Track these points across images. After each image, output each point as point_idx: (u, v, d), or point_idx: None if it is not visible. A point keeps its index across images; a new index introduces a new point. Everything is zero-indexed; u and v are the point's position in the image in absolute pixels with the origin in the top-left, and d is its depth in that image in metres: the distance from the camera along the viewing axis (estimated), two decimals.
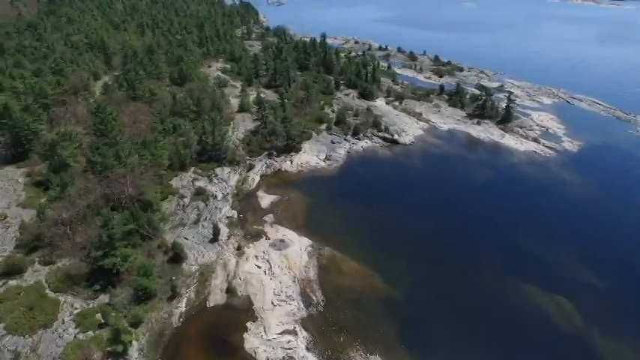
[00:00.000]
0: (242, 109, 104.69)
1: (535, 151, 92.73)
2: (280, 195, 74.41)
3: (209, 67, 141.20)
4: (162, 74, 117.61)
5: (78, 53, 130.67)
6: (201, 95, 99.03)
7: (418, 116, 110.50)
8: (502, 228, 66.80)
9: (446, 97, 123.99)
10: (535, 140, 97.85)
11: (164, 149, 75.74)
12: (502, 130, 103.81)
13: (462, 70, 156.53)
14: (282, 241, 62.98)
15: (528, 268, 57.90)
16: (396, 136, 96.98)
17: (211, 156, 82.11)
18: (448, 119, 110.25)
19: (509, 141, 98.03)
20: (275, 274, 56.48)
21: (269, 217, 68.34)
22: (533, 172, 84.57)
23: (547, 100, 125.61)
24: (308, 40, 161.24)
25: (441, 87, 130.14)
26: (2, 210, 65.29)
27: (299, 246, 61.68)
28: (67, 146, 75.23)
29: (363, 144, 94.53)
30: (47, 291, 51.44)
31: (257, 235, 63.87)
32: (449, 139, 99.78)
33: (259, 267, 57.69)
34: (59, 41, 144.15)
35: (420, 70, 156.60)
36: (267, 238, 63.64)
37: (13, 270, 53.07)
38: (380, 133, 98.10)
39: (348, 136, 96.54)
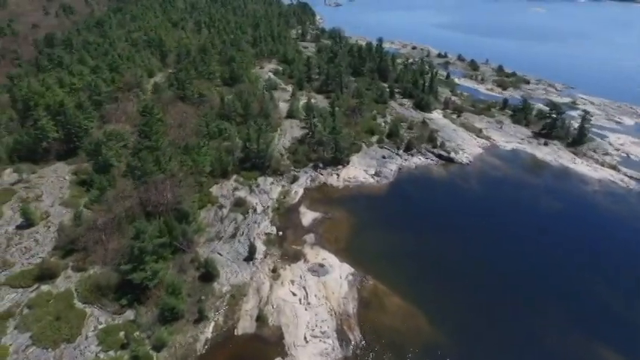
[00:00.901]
0: (291, 114, 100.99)
1: (613, 180, 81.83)
2: (323, 212, 69.56)
3: (261, 68, 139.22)
4: (213, 74, 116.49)
5: (136, 50, 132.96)
6: (249, 98, 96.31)
7: (478, 132, 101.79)
8: (572, 270, 58.09)
9: (509, 112, 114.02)
10: (613, 167, 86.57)
11: (207, 155, 73.20)
12: (573, 153, 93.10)
13: (528, 82, 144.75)
14: (321, 265, 58.09)
15: (604, 325, 49.30)
16: (452, 154, 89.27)
17: (254, 164, 78.78)
18: (511, 138, 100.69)
19: (581, 167, 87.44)
20: (311, 304, 51.65)
21: (309, 237, 63.66)
22: (611, 206, 74.23)
23: (629, 121, 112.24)
24: (363, 44, 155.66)
25: (505, 101, 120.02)
26: (47, 208, 65.21)
27: (339, 273, 56.52)
28: (112, 146, 74.72)
29: (416, 160, 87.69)
30: (75, 300, 49.70)
31: (295, 257, 59.34)
32: (511, 161, 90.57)
33: (294, 294, 53.09)
34: (121, 38, 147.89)
35: (482, 81, 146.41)
36: (306, 260, 58.95)
37: (47, 275, 51.95)
38: (435, 150, 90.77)
39: (401, 150, 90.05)
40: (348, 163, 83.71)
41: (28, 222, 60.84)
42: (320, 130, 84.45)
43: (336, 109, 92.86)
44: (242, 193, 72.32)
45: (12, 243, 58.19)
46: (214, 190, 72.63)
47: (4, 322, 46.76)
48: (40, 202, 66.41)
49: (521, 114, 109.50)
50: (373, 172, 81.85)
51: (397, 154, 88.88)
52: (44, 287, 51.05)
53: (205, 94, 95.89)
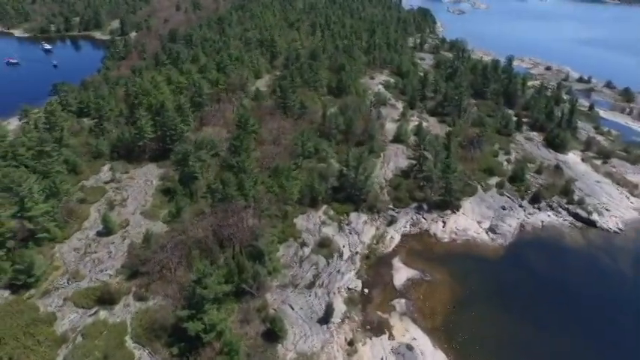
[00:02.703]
0: (398, 138, 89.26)
1: None
2: (421, 271, 57.28)
3: (371, 78, 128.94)
4: (319, 82, 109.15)
5: (247, 50, 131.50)
6: (354, 115, 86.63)
7: (632, 188, 79.99)
8: None
9: None
10: None
11: (297, 180, 65.15)
12: None
13: None
14: (409, 348, 46.32)
15: None
16: (594, 216, 70.23)
17: (349, 195, 68.94)
18: None
19: None
20: None
21: (400, 304, 52.08)
22: None
23: None
24: (488, 59, 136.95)
25: None
26: (128, 215, 62.69)
27: None
28: (202, 155, 70.53)
29: (544, 217, 70.42)
30: (127, 337, 44.55)
31: (379, 329, 48.40)
32: None
33: None
34: (236, 36, 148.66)
35: (638, 117, 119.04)
36: (391, 336, 47.69)
37: (107, 299, 47.84)
38: (570, 206, 72.35)
39: (525, 201, 73.35)
40: (458, 208, 69.76)
41: (106, 230, 58.44)
42: (430, 166, 71.45)
43: (453, 138, 78.51)
44: (330, 230, 62.91)
45: (88, 251, 56.00)
46: (299, 221, 64.28)
47: (56, 347, 43.25)
48: (123, 208, 64.24)
49: None
50: (487, 227, 66.87)
51: (520, 205, 72.36)
52: (102, 313, 46.92)
53: (307, 105, 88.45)
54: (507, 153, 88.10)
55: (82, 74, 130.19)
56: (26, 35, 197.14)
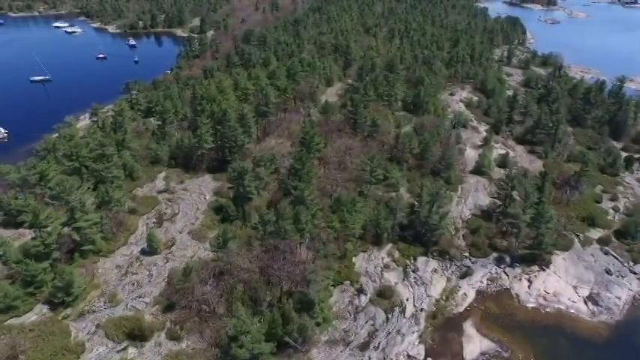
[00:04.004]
0: (479, 168, 78.11)
1: None
2: (498, 343, 47.16)
3: (451, 94, 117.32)
4: (394, 97, 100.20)
5: (320, 55, 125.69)
6: (430, 138, 76.95)
7: None
8: None
9: None
10: None
11: (360, 213, 57.37)
12: None
13: None
14: None
15: None
16: None
17: (417, 234, 59.98)
18: None
19: None
20: None
21: None
22: None
23: None
24: (588, 77, 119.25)
25: None
26: (175, 234, 58.76)
27: None
28: (261, 173, 65.19)
29: None
30: None
31: None
32: None
33: None
34: (311, 39, 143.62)
35: None
36: None
37: (139, 334, 43.37)
38: None
39: (638, 266, 59.60)
40: (548, 265, 58.00)
41: (150, 249, 54.71)
42: (518, 211, 60.08)
43: (547, 176, 66.07)
44: (392, 277, 54.50)
45: (130, 270, 52.61)
46: (359, 261, 56.54)
47: None
48: (172, 224, 60.50)
49: None
50: (586, 294, 54.53)
51: (632, 270, 58.77)
52: (131, 351, 42.54)
53: (379, 123, 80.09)
54: (614, 198, 73.52)
55: (159, 70, 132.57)
56: (118, 31, 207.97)
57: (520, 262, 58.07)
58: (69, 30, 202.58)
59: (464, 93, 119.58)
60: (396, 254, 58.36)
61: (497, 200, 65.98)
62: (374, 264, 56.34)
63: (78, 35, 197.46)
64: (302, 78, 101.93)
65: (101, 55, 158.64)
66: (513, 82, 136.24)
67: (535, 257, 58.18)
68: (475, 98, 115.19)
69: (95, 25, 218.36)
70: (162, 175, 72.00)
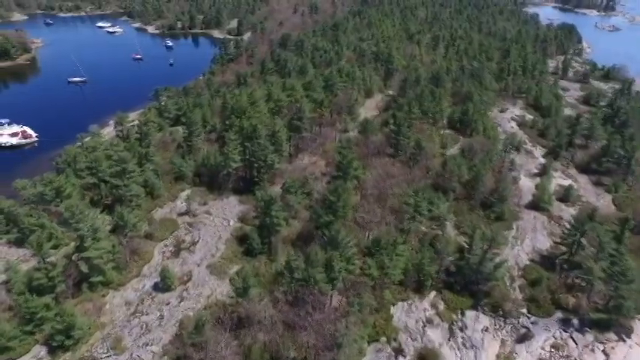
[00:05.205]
0: (536, 203, 68.52)
1: None
2: None
3: (501, 111, 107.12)
4: (440, 113, 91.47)
5: (360, 64, 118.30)
6: (482, 165, 68.15)
7: None
8: None
9: None
10: None
11: (401, 255, 49.67)
12: None
13: None
14: None
15: None
16: None
17: (467, 283, 51.68)
18: None
19: None
20: None
21: None
22: None
23: None
24: None
25: None
26: (192, 266, 52.98)
27: None
28: (291, 200, 58.58)
29: None
30: None
31: None
32: None
33: None
34: (350, 45, 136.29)
35: None
36: None
37: None
38: None
39: None
40: (629, 334, 48.31)
41: (164, 285, 49.09)
42: (590, 265, 50.49)
43: (627, 225, 55.85)
44: (436, 335, 46.54)
45: (139, 310, 47.17)
46: (398, 311, 48.83)
47: None
48: (191, 254, 54.77)
49: None
50: None
51: None
52: None
53: (424, 145, 71.79)
54: None
55: (193, 74, 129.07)
56: (157, 31, 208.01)
57: (592, 327, 48.51)
58: (110, 30, 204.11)
59: (515, 110, 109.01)
60: (441, 306, 50.24)
61: (561, 245, 56.53)
62: (415, 317, 48.48)
63: (118, 35, 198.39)
64: (340, 89, 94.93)
65: (137, 56, 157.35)
66: (570, 97, 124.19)
67: (612, 323, 48.54)
68: (529, 116, 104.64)
69: (136, 25, 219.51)
70: (184, 193, 66.70)
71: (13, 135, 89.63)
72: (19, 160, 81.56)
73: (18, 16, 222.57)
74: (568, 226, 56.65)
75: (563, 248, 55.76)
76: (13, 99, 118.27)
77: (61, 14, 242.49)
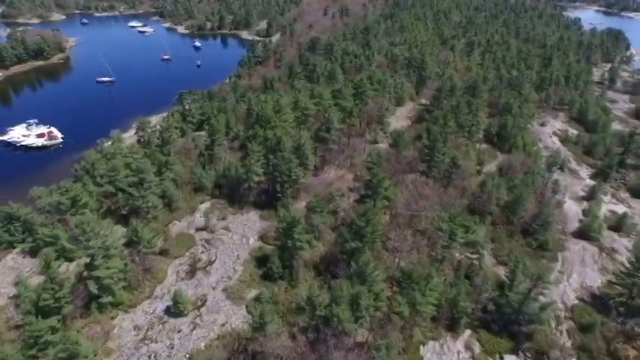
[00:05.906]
0: (584, 231, 62.07)
1: None
2: None
3: (542, 124, 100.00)
4: (476, 126, 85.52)
5: (391, 70, 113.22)
6: (524, 188, 62.11)
7: None
8: None
9: None
10: None
11: (434, 290, 44.79)
12: None
13: None
14: None
15: None
16: None
17: (506, 323, 46.34)
18: None
19: None
20: None
21: None
22: None
23: None
24: None
25: None
26: (207, 289, 49.58)
27: None
28: (315, 220, 54.50)
29: None
30: None
31: None
32: None
33: None
34: (381, 50, 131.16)
35: None
36: None
37: None
38: None
39: None
40: None
41: (176, 310, 45.81)
42: None
43: None
44: None
45: (148, 336, 44.00)
46: (428, 352, 44.03)
47: None
48: (206, 276, 51.35)
49: None
50: None
51: None
52: None
53: (460, 163, 66.34)
54: None
55: (219, 77, 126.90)
56: (186, 31, 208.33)
57: None
58: (141, 29, 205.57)
59: (557, 123, 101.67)
60: (477, 348, 45.12)
61: (616, 284, 50.29)
62: (446, 358, 43.59)
63: (149, 35, 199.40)
64: (371, 97, 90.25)
65: (166, 57, 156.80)
66: (619, 110, 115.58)
67: None
68: (572, 131, 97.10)
69: (166, 25, 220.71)
70: (203, 206, 63.62)
71: (40, 136, 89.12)
72: (43, 163, 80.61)
73: (57, 16, 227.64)
74: (625, 261, 50.45)
75: (620, 288, 49.47)
76: (44, 98, 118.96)
77: (97, 14, 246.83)
